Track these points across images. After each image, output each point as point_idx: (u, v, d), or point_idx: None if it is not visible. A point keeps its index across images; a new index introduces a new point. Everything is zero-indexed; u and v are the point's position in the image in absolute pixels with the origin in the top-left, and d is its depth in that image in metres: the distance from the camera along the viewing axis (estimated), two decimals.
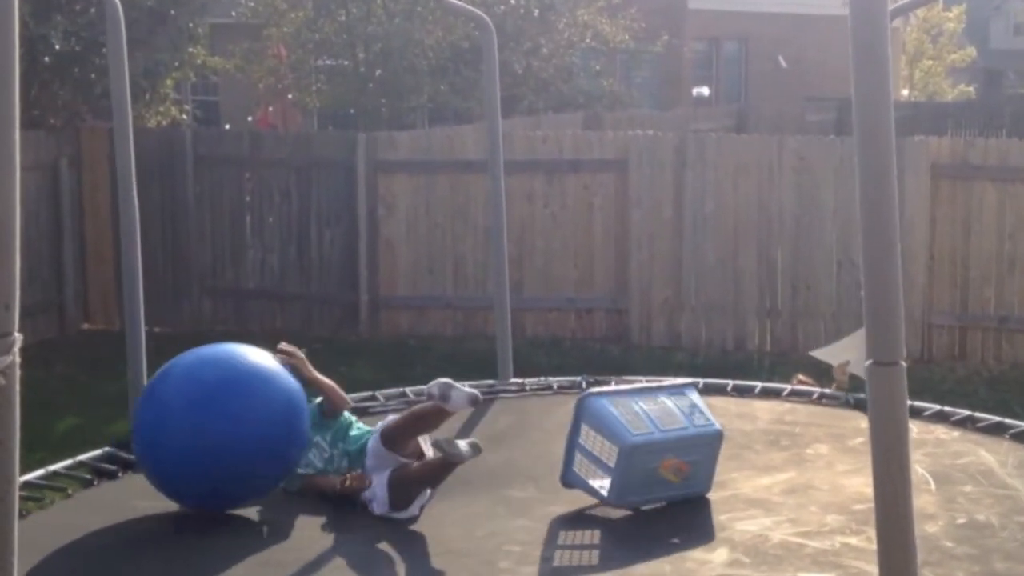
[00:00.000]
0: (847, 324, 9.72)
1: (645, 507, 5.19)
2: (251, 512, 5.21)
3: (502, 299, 7.66)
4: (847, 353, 6.88)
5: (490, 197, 7.88)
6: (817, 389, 7.14)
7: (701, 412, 5.31)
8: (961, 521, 5.08)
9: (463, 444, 4.92)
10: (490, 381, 7.37)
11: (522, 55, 16.67)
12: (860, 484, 5.31)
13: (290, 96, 17.67)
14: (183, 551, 4.87)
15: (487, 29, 7.36)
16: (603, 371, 8.06)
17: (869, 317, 3.05)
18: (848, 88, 3.13)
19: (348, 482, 5.12)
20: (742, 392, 7.14)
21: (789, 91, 24.91)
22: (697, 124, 17.52)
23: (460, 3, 8.41)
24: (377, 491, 5.03)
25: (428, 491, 5.12)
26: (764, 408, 6.82)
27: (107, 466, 5.81)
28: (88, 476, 5.74)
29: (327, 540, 4.92)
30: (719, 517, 5.12)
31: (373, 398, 6.93)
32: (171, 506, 5.15)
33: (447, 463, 4.94)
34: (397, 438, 5.13)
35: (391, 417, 5.36)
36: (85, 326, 11.67)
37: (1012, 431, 6.28)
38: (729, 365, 9.85)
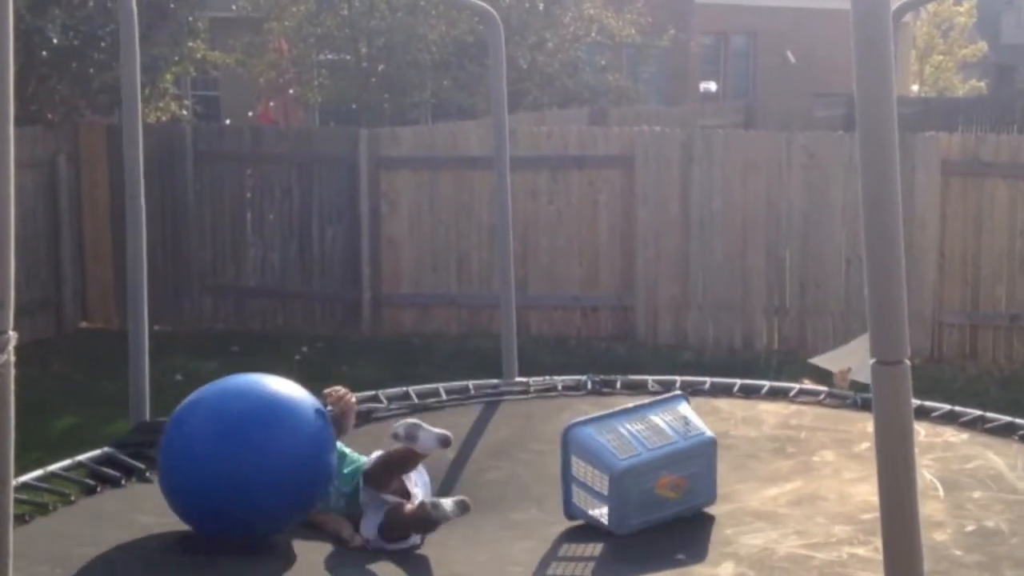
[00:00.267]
0: (856, 323, 9.63)
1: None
2: None
3: (507, 297, 7.55)
4: (848, 360, 6.80)
5: (495, 194, 7.77)
6: (824, 388, 7.03)
7: (692, 423, 5.18)
8: (970, 528, 4.97)
9: (448, 504, 4.77)
10: (494, 380, 7.26)
11: (527, 50, 16.60)
12: (867, 492, 5.20)
13: (291, 91, 17.60)
14: (186, 564, 4.77)
15: (494, 23, 7.23)
16: (609, 370, 7.94)
17: (873, 315, 3.01)
18: None
19: (350, 544, 4.99)
20: (748, 393, 7.02)
21: (798, 86, 24.79)
22: (704, 120, 17.45)
23: None
24: (370, 538, 4.94)
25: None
26: (770, 411, 6.70)
27: (110, 471, 5.70)
28: (90, 481, 5.63)
29: (329, 564, 4.81)
30: (724, 531, 5.02)
31: (376, 398, 6.81)
32: (175, 518, 5.04)
33: (436, 520, 4.82)
34: (375, 480, 5.03)
35: (373, 456, 5.19)
36: (83, 325, 11.61)
37: (1022, 432, 6.17)
38: (736, 364, 9.76)
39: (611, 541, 4.95)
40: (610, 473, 4.91)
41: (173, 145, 11.51)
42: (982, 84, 34.19)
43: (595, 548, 4.92)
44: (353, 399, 5.39)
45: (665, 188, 10.73)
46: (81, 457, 5.81)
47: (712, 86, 25.37)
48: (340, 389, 5.39)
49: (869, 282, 3.01)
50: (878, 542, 3.52)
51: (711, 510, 5.19)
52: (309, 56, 17.23)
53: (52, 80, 11.57)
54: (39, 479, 5.54)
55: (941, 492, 5.37)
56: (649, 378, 7.17)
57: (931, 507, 5.08)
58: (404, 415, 6.49)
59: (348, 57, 16.53)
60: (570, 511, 5.13)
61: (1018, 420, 6.32)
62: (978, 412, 6.46)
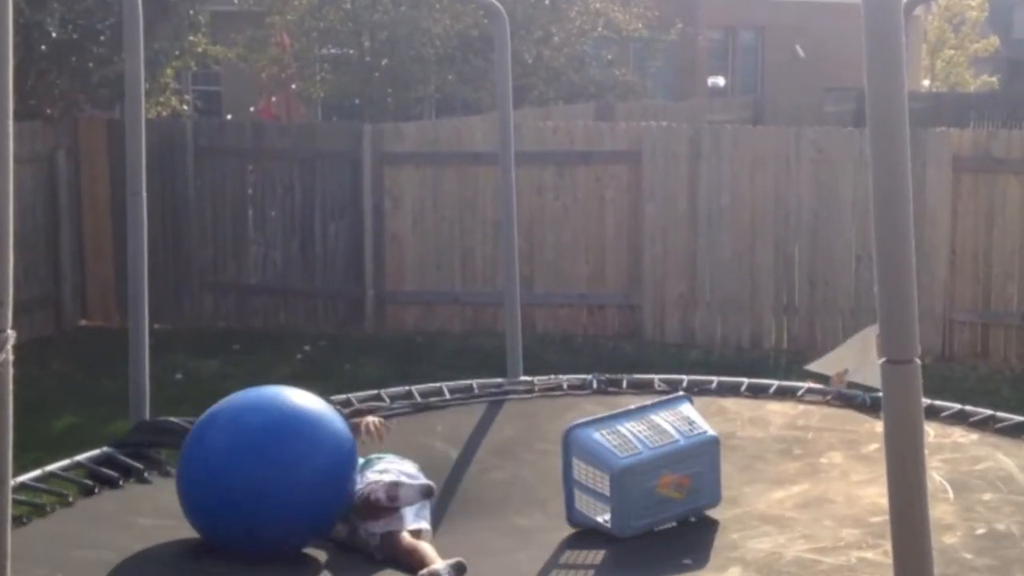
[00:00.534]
0: (866, 320, 9.50)
1: (656, 529, 5.00)
2: None
3: (512, 294, 7.48)
4: (843, 361, 6.75)
5: (500, 190, 7.70)
6: (831, 388, 6.95)
7: (694, 422, 5.13)
8: (981, 531, 4.90)
9: (444, 569, 4.65)
10: (499, 379, 7.20)
11: (533, 44, 16.51)
12: (876, 495, 5.14)
13: (294, 86, 17.51)
14: (186, 567, 4.72)
15: (499, 17, 7.15)
16: (615, 369, 7.90)
17: (883, 313, 2.99)
18: None
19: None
20: (756, 392, 6.94)
21: (807, 81, 24.68)
22: (712, 115, 17.39)
23: None
24: (374, 549, 4.86)
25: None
26: (777, 411, 6.62)
27: (108, 471, 5.63)
28: (88, 482, 5.58)
29: (330, 566, 4.77)
30: (731, 535, 4.95)
31: (378, 397, 6.73)
32: (174, 520, 4.96)
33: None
34: (362, 514, 4.92)
35: (359, 489, 5.04)
36: (83, 323, 11.56)
37: None
38: (745, 363, 9.70)
39: (615, 547, 4.89)
40: (611, 472, 4.86)
41: (174, 140, 11.43)
42: (994, 79, 34.05)
43: (599, 554, 4.86)
44: (384, 431, 5.29)
45: (672, 184, 10.63)
46: (80, 457, 5.79)
47: (720, 81, 25.27)
48: (373, 421, 5.30)
49: (879, 279, 2.99)
50: (887, 546, 3.48)
51: (716, 514, 5.13)
52: (311, 50, 17.15)
53: (51, 75, 11.50)
54: (37, 479, 5.52)
55: (951, 495, 5.30)
56: (656, 377, 7.12)
57: (941, 509, 5.03)
58: (404, 414, 6.44)
59: (351, 51, 16.46)
60: (574, 518, 5.07)
61: None
62: (989, 412, 6.40)
